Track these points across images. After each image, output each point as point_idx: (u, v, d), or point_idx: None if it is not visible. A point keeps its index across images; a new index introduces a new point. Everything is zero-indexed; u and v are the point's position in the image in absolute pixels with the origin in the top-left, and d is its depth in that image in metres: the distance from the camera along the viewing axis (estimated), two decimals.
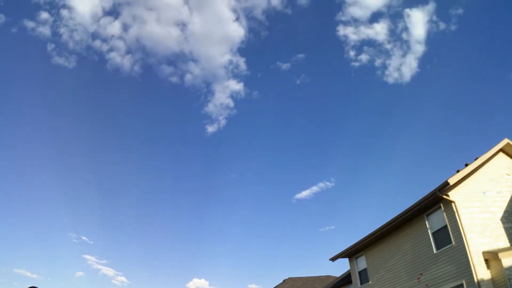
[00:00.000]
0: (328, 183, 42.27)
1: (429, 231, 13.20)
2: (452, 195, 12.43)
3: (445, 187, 12.20)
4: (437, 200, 12.69)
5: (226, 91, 35.67)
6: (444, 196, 12.27)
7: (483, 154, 13.70)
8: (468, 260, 11.31)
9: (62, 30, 28.03)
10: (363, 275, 17.34)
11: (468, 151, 42.01)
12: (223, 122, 36.81)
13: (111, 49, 35.06)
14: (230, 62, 34.11)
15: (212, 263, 52.00)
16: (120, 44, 34.87)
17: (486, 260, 11.43)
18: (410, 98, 43.46)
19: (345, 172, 42.70)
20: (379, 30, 36.85)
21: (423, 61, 37.42)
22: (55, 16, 31.14)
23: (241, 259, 51.43)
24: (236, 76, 35.41)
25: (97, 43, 32.66)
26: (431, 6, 37.44)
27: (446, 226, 12.44)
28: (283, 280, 29.88)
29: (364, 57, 37.91)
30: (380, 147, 44.52)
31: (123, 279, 48.78)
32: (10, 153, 43.76)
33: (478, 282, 10.87)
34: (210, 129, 38.26)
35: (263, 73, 37.23)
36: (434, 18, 37.51)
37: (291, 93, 37.96)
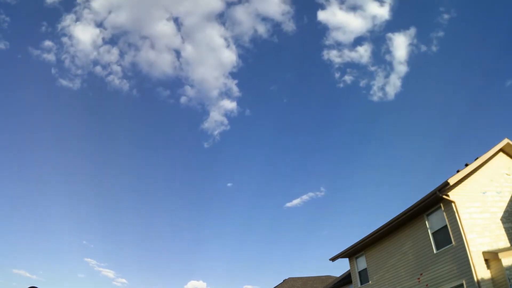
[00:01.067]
0: (318, 193, 44.86)
1: (429, 231, 13.20)
2: (452, 195, 12.43)
3: (445, 187, 12.21)
4: (437, 200, 12.69)
5: (221, 110, 38.76)
6: (444, 196, 12.28)
7: (483, 154, 13.70)
8: (468, 260, 11.31)
9: (64, 56, 31.37)
10: (363, 275, 17.34)
11: (468, 151, 42.30)
12: (217, 137, 40.03)
13: (110, 73, 37.91)
14: (224, 84, 37.44)
15: (210, 265, 52.86)
16: (118, 69, 38.08)
17: (486, 260, 11.43)
18: (406, 102, 44.86)
19: (333, 181, 45.00)
20: (363, 53, 38.81)
21: (406, 80, 39.42)
22: (58, 45, 34.36)
23: (238, 260, 52.31)
24: (229, 96, 38.58)
25: (98, 68, 35.86)
26: (412, 31, 39.22)
27: (446, 226, 12.44)
28: (283, 280, 29.88)
29: (348, 78, 40.04)
30: (371, 152, 46.31)
31: (124, 280, 49.17)
32: (12, 154, 45.47)
33: (478, 282, 10.87)
34: (207, 145, 41.52)
35: (254, 93, 40.96)
36: (415, 41, 39.30)
37: (280, 111, 41.20)
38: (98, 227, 48.46)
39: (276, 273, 60.58)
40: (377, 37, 37.04)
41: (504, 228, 12.82)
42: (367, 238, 16.14)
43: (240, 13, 36.31)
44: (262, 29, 35.30)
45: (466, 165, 13.22)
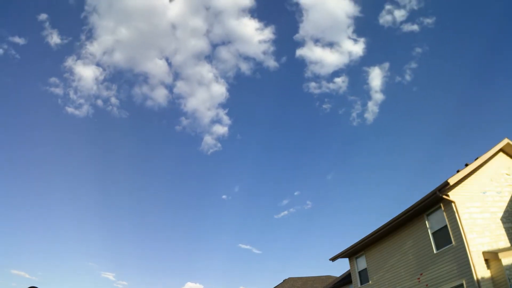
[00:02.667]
0: (304, 206, 48.19)
1: (429, 231, 13.20)
2: (452, 195, 12.43)
3: (445, 187, 12.21)
4: (437, 200, 12.69)
5: (213, 135, 42.46)
6: (444, 196, 12.28)
7: (483, 154, 13.70)
8: (468, 260, 11.31)
9: (69, 89, 36.25)
10: (363, 275, 17.34)
11: (468, 151, 42.45)
12: (212, 156, 44.07)
13: (110, 105, 41.84)
14: (216, 114, 41.65)
15: (207, 267, 53.68)
16: (117, 102, 42.14)
17: (486, 260, 11.43)
18: (409, 102, 46.67)
19: (319, 194, 48.49)
20: (340, 84, 42.11)
21: (384, 106, 42.69)
22: (63, 81, 38.97)
23: (237, 261, 53.06)
24: (221, 123, 42.73)
25: (99, 101, 40.13)
26: (386, 64, 42.79)
27: (446, 226, 12.44)
28: (283, 280, 29.88)
29: (327, 106, 44.19)
30: (371, 153, 48.39)
31: (124, 283, 49.82)
32: (16, 157, 47.33)
33: (478, 282, 10.87)
34: (203, 161, 45.98)
35: (243, 120, 45.80)
36: (389, 74, 42.56)
37: (267, 133, 46.20)
38: (99, 230, 49.80)
39: (276, 273, 60.72)
40: (354, 70, 40.55)
41: (504, 228, 12.82)
42: (367, 238, 16.14)
43: (224, 53, 40.42)
44: (245, 67, 39.79)
45: (466, 165, 13.22)
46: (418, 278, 13.30)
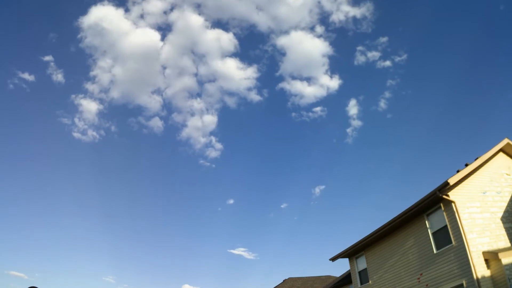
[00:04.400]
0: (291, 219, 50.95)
1: (429, 231, 13.21)
2: (452, 195, 12.43)
3: (445, 187, 12.21)
4: (437, 200, 12.69)
5: (207, 158, 47.02)
6: (444, 196, 12.28)
7: (483, 154, 13.70)
8: (468, 260, 11.31)
9: (75, 119, 40.80)
10: (363, 275, 17.34)
11: (468, 151, 42.78)
12: (208, 174, 49.18)
13: (111, 133, 46.47)
14: (209, 141, 46.35)
15: (204, 269, 54.67)
16: (117, 130, 47.11)
17: (486, 260, 11.44)
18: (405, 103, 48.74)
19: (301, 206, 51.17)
20: (320, 113, 46.03)
21: (362, 131, 46.54)
22: (68, 113, 43.76)
23: (231, 265, 53.98)
24: (214, 147, 47.04)
25: (101, 130, 44.58)
26: (361, 96, 47.43)
27: (446, 226, 12.44)
28: (283, 280, 29.88)
29: (309, 132, 49.03)
30: (370, 153, 50.51)
31: (126, 286, 50.23)
32: (26, 168, 50.21)
33: (478, 282, 10.87)
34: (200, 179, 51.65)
35: (233, 145, 51.02)
36: (365, 103, 47.08)
37: (255, 153, 51.54)
38: (100, 233, 51.26)
39: (276, 273, 60.98)
40: (331, 101, 45.49)
41: (504, 228, 12.82)
42: (367, 238, 16.14)
43: (210, 88, 45.26)
44: (230, 101, 44.67)
45: (466, 165, 13.22)
46: (418, 278, 13.30)
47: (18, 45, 43.98)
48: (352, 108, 44.84)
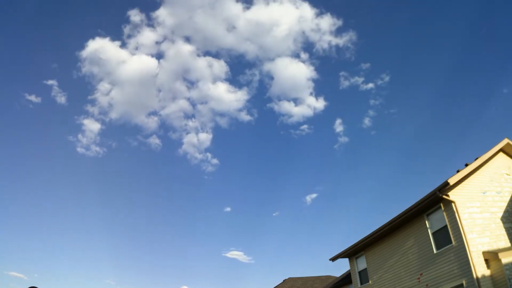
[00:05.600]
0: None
1: (429, 231, 13.21)
2: (452, 195, 12.43)
3: (445, 187, 12.21)
4: (437, 200, 12.69)
5: (205, 172, 49.68)
6: (444, 196, 12.28)
7: (483, 154, 13.70)
8: (468, 260, 11.31)
9: (79, 136, 43.95)
10: (363, 275, 17.35)
11: (468, 151, 42.92)
12: (206, 185, 52.05)
13: (112, 150, 48.90)
14: (206, 157, 49.08)
15: (202, 270, 55.31)
16: (118, 147, 49.55)
17: (486, 260, 11.44)
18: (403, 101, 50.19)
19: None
20: (307, 131, 48.86)
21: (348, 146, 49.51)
22: (74, 132, 46.86)
23: (226, 268, 54.58)
24: (210, 162, 49.58)
25: (104, 148, 47.22)
26: (346, 115, 51.00)
27: (446, 226, 12.44)
28: (283, 280, 29.88)
29: (299, 148, 51.60)
30: (370, 154, 51.91)
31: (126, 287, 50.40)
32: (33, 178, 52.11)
33: (478, 282, 10.87)
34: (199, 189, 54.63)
35: (228, 160, 53.88)
36: (350, 122, 49.92)
37: (247, 167, 54.57)
38: (101, 237, 51.52)
39: (276, 273, 61.27)
40: (318, 120, 48.66)
41: (504, 228, 12.82)
42: (367, 238, 16.14)
43: (203, 109, 48.36)
44: (222, 121, 47.58)
45: (466, 165, 13.22)
46: (418, 278, 13.30)
47: (25, 71, 48.48)
48: (338, 126, 48.39)
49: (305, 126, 48.78)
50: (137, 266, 55.49)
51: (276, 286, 29.84)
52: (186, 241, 57.68)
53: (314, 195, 52.38)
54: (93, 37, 49.32)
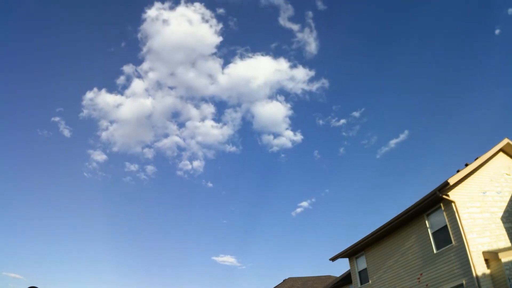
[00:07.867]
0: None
1: (429, 231, 13.21)
2: (452, 195, 12.44)
3: (445, 187, 12.21)
4: (437, 200, 12.70)
5: (204, 190, 53.97)
6: (444, 196, 12.28)
7: (483, 154, 13.71)
8: (468, 260, 11.31)
9: (86, 164, 49.30)
10: (363, 275, 17.35)
11: (468, 151, 42.92)
12: (206, 200, 56.88)
13: (116, 175, 53.68)
14: (200, 182, 53.09)
15: (200, 271, 56.16)
16: (121, 172, 53.00)
17: (486, 260, 11.44)
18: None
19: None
20: (287, 160, 52.17)
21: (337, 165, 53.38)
22: (80, 161, 51.74)
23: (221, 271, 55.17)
24: (209, 180, 53.76)
25: (109, 174, 52.07)
26: (323, 146, 54.13)
27: (446, 226, 12.45)
28: (283, 280, 29.86)
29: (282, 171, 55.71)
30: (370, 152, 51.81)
31: None
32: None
33: (478, 282, 10.88)
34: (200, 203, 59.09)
35: (221, 183, 57.82)
36: (328, 150, 53.09)
37: (238, 185, 58.29)
38: (101, 238, 52.27)
39: (276, 273, 61.48)
40: (297, 150, 53.04)
41: (504, 228, 12.83)
42: (367, 238, 16.15)
43: (190, 143, 53.24)
44: (208, 153, 53.07)
45: (466, 165, 13.22)
46: (418, 278, 13.31)
47: (34, 110, 54.86)
48: (317, 155, 53.54)
49: (286, 155, 54.12)
50: (137, 266, 56.07)
51: (276, 286, 29.84)
52: (185, 247, 59.22)
53: (305, 203, 54.56)
54: (90, 89, 55.23)
